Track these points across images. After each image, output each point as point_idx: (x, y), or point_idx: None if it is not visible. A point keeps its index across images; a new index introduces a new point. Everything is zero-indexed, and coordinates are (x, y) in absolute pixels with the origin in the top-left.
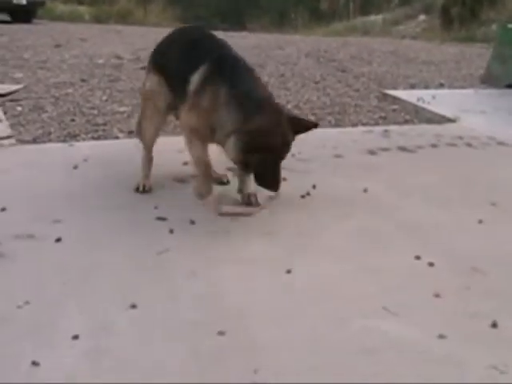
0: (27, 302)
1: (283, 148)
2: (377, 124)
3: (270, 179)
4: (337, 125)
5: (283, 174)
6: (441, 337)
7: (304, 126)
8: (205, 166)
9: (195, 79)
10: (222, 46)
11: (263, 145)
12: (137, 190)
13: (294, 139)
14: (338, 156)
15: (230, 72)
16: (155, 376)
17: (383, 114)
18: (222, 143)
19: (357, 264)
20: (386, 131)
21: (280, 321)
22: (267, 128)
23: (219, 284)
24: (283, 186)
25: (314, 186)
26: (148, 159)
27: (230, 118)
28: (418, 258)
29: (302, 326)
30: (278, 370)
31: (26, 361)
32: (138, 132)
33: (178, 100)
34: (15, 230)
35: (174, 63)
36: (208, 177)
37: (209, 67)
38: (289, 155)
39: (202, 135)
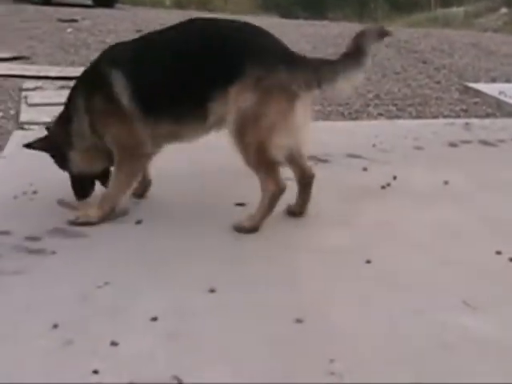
0: (107, 283)
1: None
2: (458, 117)
3: None
4: (417, 116)
5: (364, 164)
6: None
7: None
8: None
9: None
10: None
11: None
12: None
13: None
14: (418, 148)
15: None
16: (230, 360)
17: (464, 107)
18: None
19: (437, 256)
20: (467, 124)
21: (358, 311)
22: None
23: (298, 271)
24: (364, 175)
25: (394, 177)
26: None
27: None
28: (498, 253)
29: (380, 317)
30: (354, 361)
31: (105, 341)
32: None
33: None
34: None
35: None
36: None
37: None
38: (369, 145)
39: None
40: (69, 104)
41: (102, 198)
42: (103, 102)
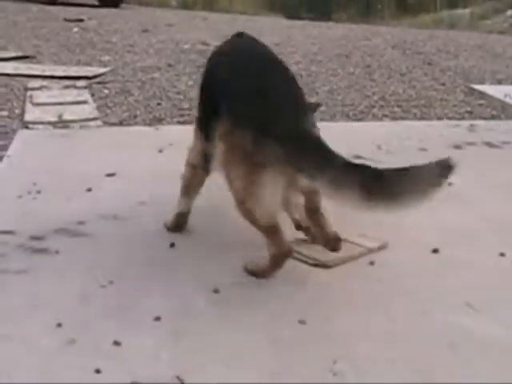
0: (111, 282)
1: None
2: (463, 118)
3: None
4: (422, 118)
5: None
6: None
7: None
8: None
9: None
10: None
11: None
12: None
13: None
14: (423, 149)
15: None
16: (233, 361)
17: (469, 109)
18: None
19: (440, 258)
20: (472, 126)
21: (361, 311)
22: None
23: (301, 273)
24: None
25: None
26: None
27: None
28: (502, 254)
29: (383, 317)
30: (357, 361)
31: (107, 340)
32: None
33: None
34: (101, 210)
35: None
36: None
37: None
38: (374, 147)
39: None
40: None
41: None
42: None
